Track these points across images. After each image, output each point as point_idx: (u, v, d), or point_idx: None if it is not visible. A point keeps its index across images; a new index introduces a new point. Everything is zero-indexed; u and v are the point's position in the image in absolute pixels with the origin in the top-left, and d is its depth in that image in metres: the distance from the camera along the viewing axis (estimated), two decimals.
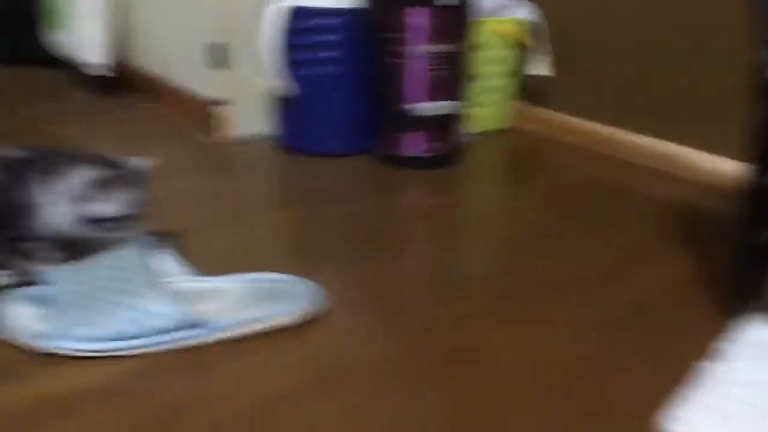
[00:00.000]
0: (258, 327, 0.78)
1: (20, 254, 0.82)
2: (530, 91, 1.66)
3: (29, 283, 0.81)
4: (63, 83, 1.89)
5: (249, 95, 1.48)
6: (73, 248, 0.83)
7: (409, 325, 0.81)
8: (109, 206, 0.82)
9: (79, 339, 0.71)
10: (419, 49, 1.30)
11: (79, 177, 0.81)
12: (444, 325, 0.82)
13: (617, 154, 1.49)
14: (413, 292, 0.90)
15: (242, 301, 0.82)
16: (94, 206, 0.82)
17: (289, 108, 1.42)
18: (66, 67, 1.94)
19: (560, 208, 1.21)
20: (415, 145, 1.36)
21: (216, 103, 1.47)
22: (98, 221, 0.82)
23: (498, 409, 0.67)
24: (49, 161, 0.82)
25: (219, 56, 1.43)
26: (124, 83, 1.81)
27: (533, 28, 1.59)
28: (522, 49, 1.60)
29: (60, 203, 0.81)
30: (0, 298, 0.77)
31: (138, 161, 0.86)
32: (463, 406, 0.67)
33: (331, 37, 1.34)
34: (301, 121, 1.41)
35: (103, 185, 0.81)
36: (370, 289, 0.90)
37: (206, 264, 0.90)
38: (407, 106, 1.33)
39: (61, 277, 0.78)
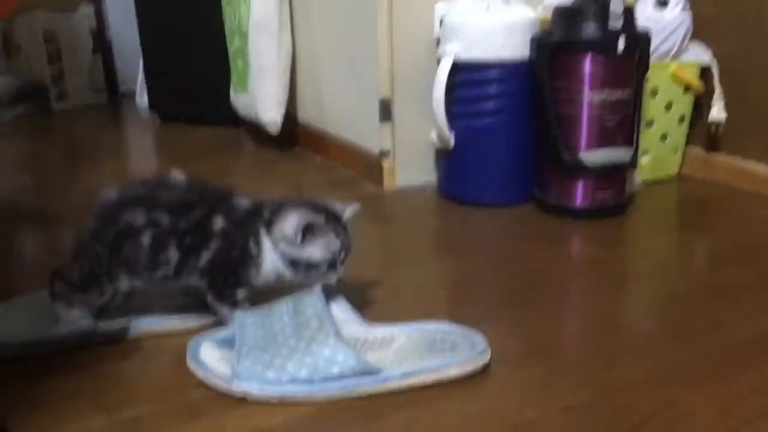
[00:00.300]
0: (430, 377, 0.78)
1: (229, 301, 0.87)
2: (703, 136, 1.57)
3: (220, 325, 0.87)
4: (241, 140, 2.05)
5: (412, 147, 1.52)
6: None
7: (585, 384, 0.78)
8: (318, 251, 0.85)
9: (264, 382, 0.75)
10: (591, 96, 1.27)
11: (292, 222, 0.84)
12: (621, 386, 0.77)
13: None
14: (583, 348, 0.86)
15: (413, 351, 0.82)
16: (305, 251, 0.85)
17: (451, 159, 1.43)
18: (245, 125, 2.12)
19: (740, 261, 1.11)
20: (582, 194, 1.32)
21: (381, 154, 1.53)
22: (308, 266, 0.85)
23: None
24: (271, 211, 0.86)
25: (384, 110, 1.49)
26: (294, 137, 1.94)
27: (706, 71, 1.50)
28: (694, 93, 1.52)
29: (274, 250, 0.85)
30: (195, 339, 0.83)
31: (342, 206, 0.89)
32: None
33: (492, 89, 1.35)
34: (463, 171, 1.42)
35: (313, 230, 0.84)
36: (538, 342, 0.87)
37: (374, 311, 0.92)
38: (575, 155, 1.30)
39: (245, 320, 0.84)
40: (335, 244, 0.85)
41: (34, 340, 0.85)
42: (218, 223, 0.85)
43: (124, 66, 2.78)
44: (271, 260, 0.86)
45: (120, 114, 2.57)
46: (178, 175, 0.89)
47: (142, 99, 2.34)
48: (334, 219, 0.86)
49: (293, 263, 0.85)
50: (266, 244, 0.85)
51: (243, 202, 0.88)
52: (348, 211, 0.89)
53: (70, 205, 1.45)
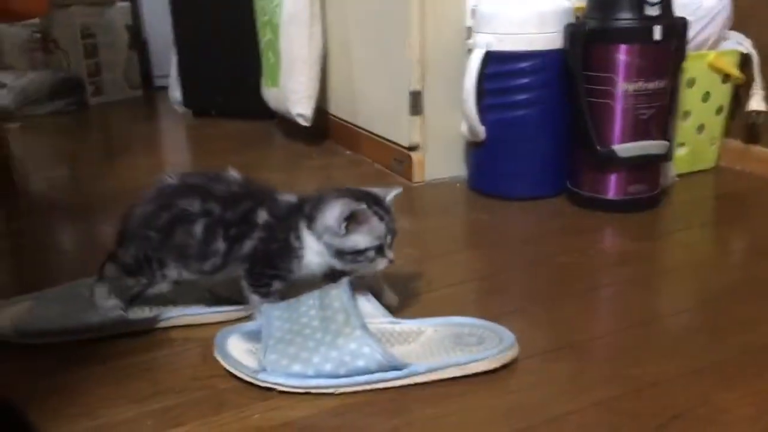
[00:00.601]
0: (455, 372, 0.77)
1: (262, 291, 0.87)
2: (742, 127, 1.52)
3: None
4: (272, 133, 2.06)
5: (442, 140, 1.51)
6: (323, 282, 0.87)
7: (616, 379, 0.76)
8: (363, 238, 0.83)
9: (290, 375, 0.75)
10: (626, 87, 1.24)
11: (333, 213, 0.83)
12: (653, 381, 0.75)
13: None
14: (614, 343, 0.85)
15: (439, 345, 0.82)
16: (350, 240, 0.83)
17: (481, 152, 1.42)
18: (277, 119, 2.13)
19: None
20: (615, 187, 1.30)
21: (411, 148, 1.52)
22: (355, 254, 0.84)
23: None
24: (312, 205, 0.86)
25: (414, 103, 1.48)
26: (325, 131, 1.94)
27: (746, 61, 1.46)
28: (733, 83, 1.48)
29: (318, 242, 0.85)
30: (222, 332, 0.83)
31: (383, 190, 0.88)
32: None
33: (524, 80, 1.33)
34: (493, 164, 1.41)
35: (356, 218, 0.83)
36: (568, 337, 0.86)
37: (403, 305, 0.92)
38: (610, 147, 1.27)
39: (271, 313, 0.84)
40: (380, 228, 0.83)
41: (71, 327, 0.86)
42: (262, 216, 0.86)
43: (158, 61, 2.82)
44: (315, 252, 0.85)
45: (154, 108, 2.60)
46: (233, 172, 0.90)
47: (176, 93, 2.36)
48: (375, 204, 0.85)
49: (339, 253, 0.84)
50: (308, 237, 0.85)
51: (286, 197, 0.89)
52: (390, 194, 0.88)
53: (104, 198, 1.48)
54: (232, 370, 0.78)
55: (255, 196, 0.87)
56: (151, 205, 0.86)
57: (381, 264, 0.85)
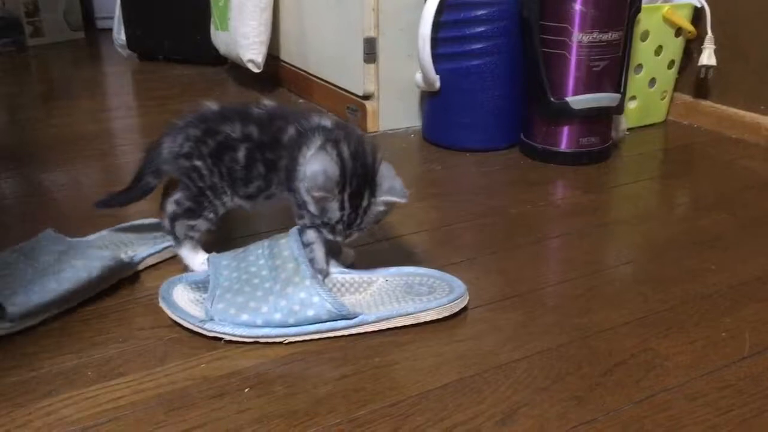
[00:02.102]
0: (406, 321, 0.77)
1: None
2: (692, 82, 1.54)
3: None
4: (223, 80, 2.00)
5: (397, 89, 1.49)
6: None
7: (562, 328, 0.78)
8: (319, 210, 0.79)
9: (238, 325, 0.74)
10: (581, 37, 1.23)
11: (315, 174, 0.76)
12: (598, 330, 0.77)
13: None
14: (561, 293, 0.86)
15: (390, 295, 0.82)
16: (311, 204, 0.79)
17: (435, 102, 1.41)
18: (227, 65, 2.07)
19: (721, 208, 1.11)
20: (567, 139, 1.31)
21: (365, 97, 1.49)
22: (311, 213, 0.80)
23: (668, 422, 0.62)
24: (335, 138, 0.79)
25: (369, 50, 1.45)
26: (278, 78, 1.89)
27: (699, 15, 1.47)
28: (685, 37, 1.49)
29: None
30: (168, 281, 0.81)
31: (391, 184, 0.81)
32: (629, 415, 0.63)
33: (480, 29, 1.31)
34: (447, 115, 1.40)
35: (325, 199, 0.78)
36: (516, 287, 0.87)
37: (354, 254, 0.91)
38: (563, 99, 1.27)
39: (219, 262, 0.82)
40: (335, 214, 0.78)
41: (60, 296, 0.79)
42: (289, 132, 0.82)
43: (101, 1, 2.69)
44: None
45: (97, 51, 2.49)
46: (270, 102, 0.88)
47: (120, 36, 2.26)
48: (358, 183, 0.77)
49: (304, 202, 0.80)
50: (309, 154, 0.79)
51: (322, 120, 0.84)
52: (389, 197, 0.79)
53: (45, 144, 1.42)
54: (178, 320, 0.77)
55: (288, 115, 0.84)
56: (197, 130, 0.84)
57: (332, 237, 0.81)
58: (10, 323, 0.75)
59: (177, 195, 0.86)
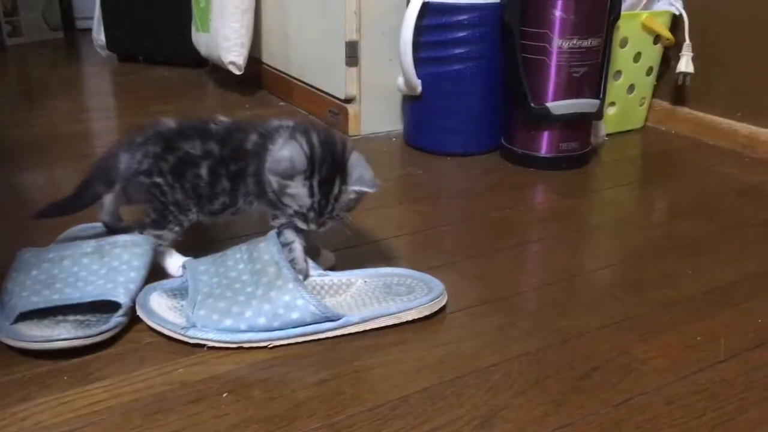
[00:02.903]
0: (388, 321, 0.77)
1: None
2: (670, 89, 1.56)
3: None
4: (204, 81, 1.99)
5: (379, 93, 1.49)
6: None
7: (541, 332, 0.78)
8: (288, 199, 0.80)
9: (221, 330, 0.74)
10: (561, 43, 1.25)
11: (282, 158, 0.78)
12: (576, 334, 0.78)
13: (764, 157, 1.37)
14: (540, 297, 0.87)
15: (370, 296, 0.82)
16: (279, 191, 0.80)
17: (417, 106, 1.41)
18: (208, 66, 2.06)
19: (698, 213, 1.12)
20: (547, 144, 1.32)
21: (347, 100, 1.49)
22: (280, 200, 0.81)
23: (645, 425, 0.63)
24: (291, 129, 0.82)
25: (351, 54, 1.45)
26: (259, 80, 1.89)
27: (677, 22, 1.49)
28: (664, 44, 1.51)
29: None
30: (144, 289, 0.80)
31: (359, 173, 0.82)
32: (607, 418, 0.63)
33: (461, 34, 1.32)
34: (428, 119, 1.40)
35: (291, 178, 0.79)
36: (495, 291, 0.87)
37: (335, 257, 0.91)
38: (543, 104, 1.28)
39: (196, 267, 0.82)
40: (305, 201, 0.79)
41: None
42: (251, 139, 0.83)
43: (81, 1, 2.67)
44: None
45: (76, 52, 2.47)
46: (222, 117, 0.88)
47: (99, 36, 2.24)
48: (328, 168, 0.78)
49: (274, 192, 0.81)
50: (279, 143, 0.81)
51: (283, 122, 0.84)
52: (357, 186, 0.80)
53: (22, 145, 1.40)
54: (158, 327, 0.76)
55: (247, 127, 0.85)
56: (155, 147, 0.83)
57: (303, 226, 0.81)
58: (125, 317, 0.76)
59: (146, 206, 0.85)
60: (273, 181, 0.79)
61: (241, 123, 0.87)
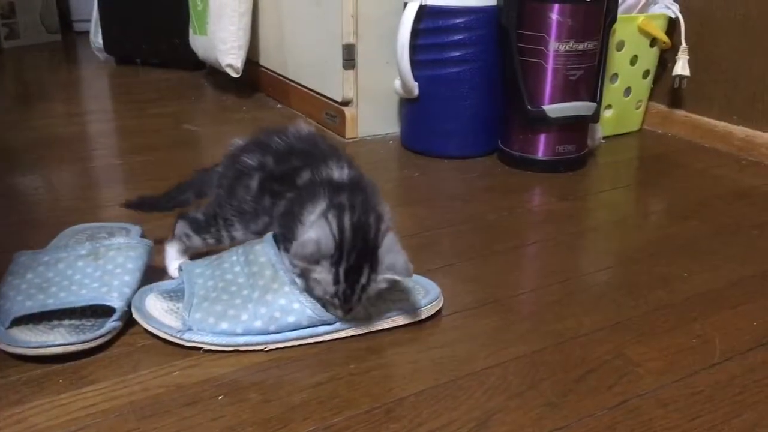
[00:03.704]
0: (384, 325, 0.77)
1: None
2: (666, 92, 1.57)
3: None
4: (201, 84, 1.99)
5: (376, 96, 1.49)
6: None
7: (536, 334, 0.78)
8: (314, 285, 0.76)
9: (218, 334, 0.74)
10: (557, 46, 1.25)
11: (306, 246, 0.73)
12: (572, 337, 0.78)
13: (760, 159, 1.37)
14: (536, 299, 0.87)
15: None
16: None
17: (414, 109, 1.41)
18: (205, 69, 2.06)
19: (694, 216, 1.13)
20: (544, 147, 1.32)
21: (344, 103, 1.49)
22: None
23: (640, 428, 0.63)
24: (340, 202, 0.75)
25: (348, 56, 1.45)
26: (256, 83, 1.89)
27: (673, 26, 1.49)
28: (660, 47, 1.51)
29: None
30: (140, 291, 0.80)
31: (394, 263, 0.77)
32: (602, 421, 0.63)
33: (458, 37, 1.32)
34: (425, 122, 1.40)
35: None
36: (492, 293, 0.87)
37: None
38: (540, 107, 1.29)
39: (192, 270, 0.81)
40: (330, 288, 0.73)
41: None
42: (303, 177, 0.78)
43: (78, 3, 2.67)
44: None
45: (74, 55, 2.47)
46: (303, 126, 0.86)
47: (97, 39, 2.24)
48: (354, 264, 0.72)
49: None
50: (311, 218, 0.75)
51: (338, 172, 0.78)
52: (390, 271, 0.74)
53: (19, 148, 1.40)
54: (153, 330, 0.75)
55: (308, 155, 0.80)
56: (222, 164, 0.85)
57: (332, 312, 0.76)
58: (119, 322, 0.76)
59: (206, 203, 0.87)
60: (298, 263, 0.74)
61: (303, 148, 0.82)
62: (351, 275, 0.72)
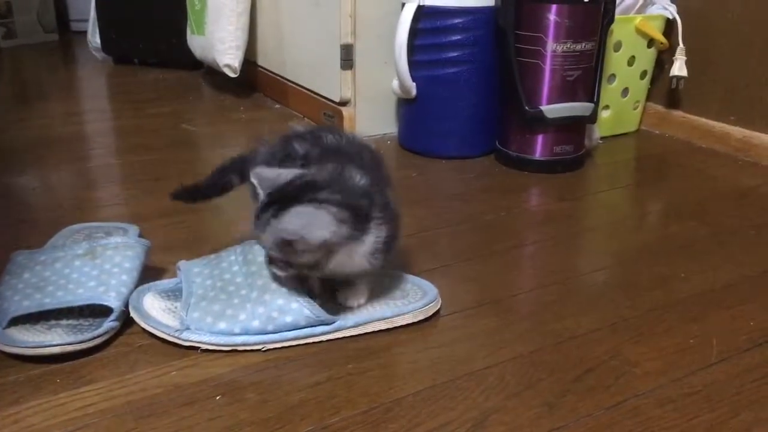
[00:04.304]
0: (382, 325, 0.77)
1: None
2: (663, 92, 1.57)
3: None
4: (199, 84, 1.99)
5: (374, 96, 1.49)
6: None
7: (535, 334, 0.78)
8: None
9: (216, 333, 0.74)
10: (555, 47, 1.25)
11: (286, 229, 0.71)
12: (570, 336, 0.78)
13: (757, 160, 1.38)
14: (534, 299, 0.87)
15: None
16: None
17: (412, 109, 1.41)
18: (203, 69, 2.06)
19: (692, 216, 1.13)
20: (542, 147, 1.32)
21: (342, 103, 1.49)
22: None
23: (637, 428, 0.63)
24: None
25: (346, 57, 1.45)
26: (254, 83, 1.89)
27: (670, 26, 1.49)
28: (657, 48, 1.51)
29: None
30: (137, 290, 0.80)
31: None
32: (600, 421, 0.63)
33: (456, 37, 1.32)
34: (423, 122, 1.40)
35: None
36: (490, 293, 0.87)
37: None
38: (538, 108, 1.29)
39: (190, 269, 0.81)
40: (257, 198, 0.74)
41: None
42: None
43: (76, 3, 2.67)
44: None
45: (72, 54, 2.46)
46: (360, 136, 0.85)
47: (95, 39, 2.24)
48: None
49: None
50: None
51: (358, 176, 0.76)
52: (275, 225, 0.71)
53: (17, 148, 1.40)
54: (151, 330, 0.75)
55: (345, 158, 0.78)
56: (278, 142, 0.84)
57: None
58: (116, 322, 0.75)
59: None
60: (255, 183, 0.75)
61: (347, 151, 0.81)
62: (264, 208, 0.72)
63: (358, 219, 0.72)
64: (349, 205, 0.72)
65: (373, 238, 0.73)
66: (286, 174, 0.74)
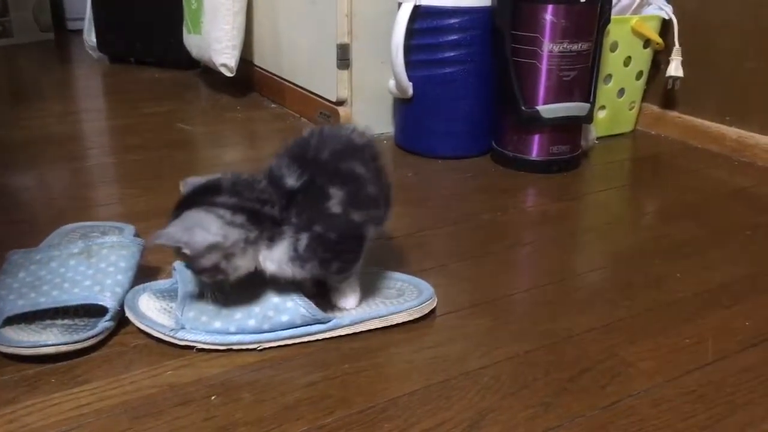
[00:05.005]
0: (378, 324, 0.78)
1: None
2: (659, 93, 1.57)
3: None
4: (195, 83, 1.99)
5: (370, 96, 1.49)
6: None
7: (530, 334, 0.78)
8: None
9: (211, 332, 0.73)
10: (551, 47, 1.25)
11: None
12: (565, 336, 0.78)
13: (752, 160, 1.38)
14: (530, 299, 0.87)
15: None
16: None
17: (408, 109, 1.41)
18: (199, 68, 2.05)
19: (688, 217, 1.13)
20: (538, 147, 1.32)
21: (338, 102, 1.49)
22: None
23: (632, 428, 0.63)
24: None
25: (342, 56, 1.45)
26: (250, 82, 1.89)
27: (666, 27, 1.50)
28: (653, 48, 1.51)
29: None
30: (133, 290, 0.80)
31: None
32: (595, 421, 0.64)
33: (452, 37, 1.32)
34: (419, 122, 1.40)
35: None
36: (485, 293, 0.87)
37: None
38: (534, 108, 1.29)
39: (187, 271, 0.81)
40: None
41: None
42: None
43: (72, 2, 2.66)
44: None
45: (67, 53, 2.46)
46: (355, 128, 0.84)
47: (91, 38, 2.24)
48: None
49: None
50: None
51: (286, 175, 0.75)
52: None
53: (12, 147, 1.39)
54: (146, 329, 0.75)
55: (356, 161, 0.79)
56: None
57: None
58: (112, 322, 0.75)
59: None
60: None
61: (357, 162, 0.80)
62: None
63: (257, 222, 0.70)
64: (245, 209, 0.69)
65: (287, 243, 0.71)
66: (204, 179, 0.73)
